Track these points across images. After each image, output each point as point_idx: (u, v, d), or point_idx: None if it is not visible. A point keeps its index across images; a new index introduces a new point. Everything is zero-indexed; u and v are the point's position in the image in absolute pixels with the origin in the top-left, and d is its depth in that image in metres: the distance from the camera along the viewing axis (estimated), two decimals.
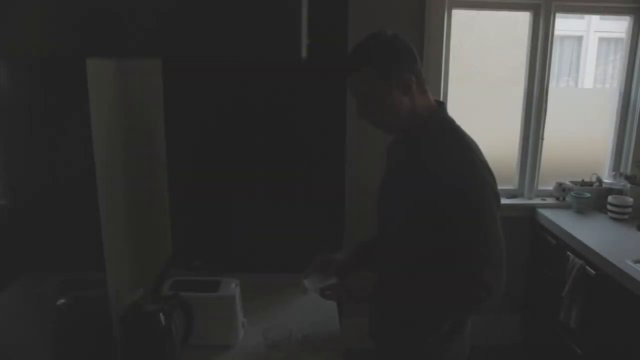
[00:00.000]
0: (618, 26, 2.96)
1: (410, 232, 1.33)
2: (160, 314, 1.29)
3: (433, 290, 1.30)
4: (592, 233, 2.48)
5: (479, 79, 2.97)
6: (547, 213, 2.76)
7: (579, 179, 2.95)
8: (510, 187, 2.96)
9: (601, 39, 5.04)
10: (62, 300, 1.18)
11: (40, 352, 1.11)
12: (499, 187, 1.32)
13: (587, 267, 2.27)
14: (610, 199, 2.71)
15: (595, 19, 5.01)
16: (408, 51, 1.31)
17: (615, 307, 2.13)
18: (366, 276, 1.39)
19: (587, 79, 4.61)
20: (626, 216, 2.67)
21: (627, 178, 2.83)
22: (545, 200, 2.92)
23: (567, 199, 2.87)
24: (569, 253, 2.42)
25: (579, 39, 5.16)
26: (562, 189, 2.88)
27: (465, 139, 1.32)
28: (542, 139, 2.88)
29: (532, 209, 2.88)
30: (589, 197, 2.80)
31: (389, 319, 1.49)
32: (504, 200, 2.84)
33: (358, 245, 1.66)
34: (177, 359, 1.34)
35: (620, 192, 2.81)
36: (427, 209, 1.27)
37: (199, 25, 0.67)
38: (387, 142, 1.56)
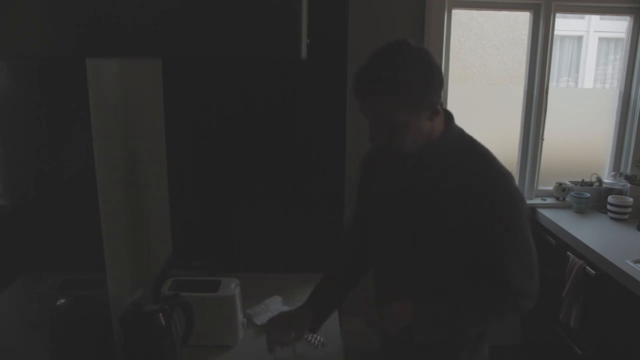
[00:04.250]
0: (618, 26, 2.97)
1: (439, 250, 1.25)
2: (160, 314, 1.29)
3: (474, 305, 1.26)
4: (592, 233, 2.48)
5: (478, 79, 2.97)
6: (547, 213, 2.76)
7: (579, 179, 2.95)
8: None
9: (601, 39, 5.05)
10: (62, 300, 1.18)
11: (40, 352, 1.11)
12: None
13: (587, 267, 2.27)
14: (610, 199, 2.71)
15: (595, 19, 5.02)
16: (438, 72, 1.18)
17: (615, 307, 2.13)
18: (401, 306, 1.24)
19: (587, 79, 4.61)
20: (626, 216, 2.67)
21: (627, 178, 2.83)
22: (545, 200, 2.92)
23: (567, 199, 2.87)
24: (569, 253, 2.42)
25: (579, 39, 5.16)
26: (562, 189, 2.88)
27: (482, 149, 1.28)
28: (542, 139, 2.87)
29: (532, 209, 2.87)
30: (589, 197, 2.79)
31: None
32: None
33: (312, 297, 1.47)
34: (177, 359, 1.34)
35: (620, 192, 2.80)
36: (458, 222, 1.19)
37: (199, 25, 0.67)
38: None
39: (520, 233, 1.23)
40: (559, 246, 2.54)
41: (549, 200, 2.91)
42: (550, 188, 2.95)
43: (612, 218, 2.70)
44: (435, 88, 1.16)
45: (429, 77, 1.15)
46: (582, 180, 2.94)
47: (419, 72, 1.13)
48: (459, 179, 1.20)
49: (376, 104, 1.15)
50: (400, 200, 1.30)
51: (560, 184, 2.90)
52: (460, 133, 1.29)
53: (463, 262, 1.24)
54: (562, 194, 2.88)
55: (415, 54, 1.14)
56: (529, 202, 2.90)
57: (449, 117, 1.28)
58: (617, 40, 3.35)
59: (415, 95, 1.13)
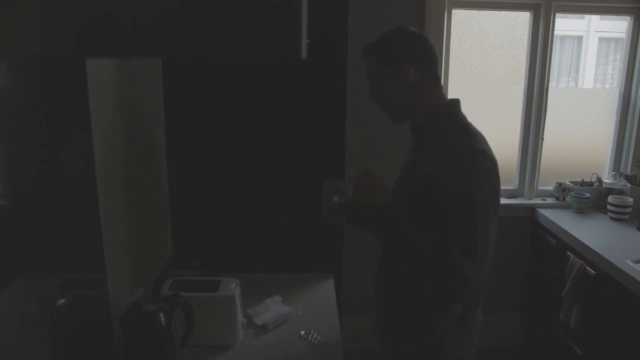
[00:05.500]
0: (618, 26, 2.96)
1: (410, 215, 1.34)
2: (160, 314, 1.29)
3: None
4: (592, 233, 2.48)
5: (478, 79, 2.97)
6: (547, 213, 2.76)
7: (579, 179, 2.95)
8: (510, 187, 2.96)
9: (601, 39, 5.05)
10: (62, 300, 1.18)
11: (40, 353, 1.11)
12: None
13: (587, 267, 2.27)
14: (610, 199, 2.71)
15: (595, 19, 5.02)
16: (414, 45, 1.37)
17: (615, 307, 2.13)
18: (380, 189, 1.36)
19: (587, 79, 4.61)
20: (626, 216, 2.67)
21: (627, 178, 2.83)
22: (545, 200, 2.92)
23: (567, 199, 2.87)
24: (569, 253, 2.42)
25: (579, 39, 5.16)
26: (562, 189, 2.88)
27: (470, 130, 1.36)
28: (542, 139, 2.87)
29: (532, 209, 2.87)
30: (589, 197, 2.79)
31: (395, 312, 1.48)
32: (504, 200, 2.84)
33: None
34: (177, 359, 1.34)
35: (620, 192, 2.81)
36: (423, 196, 1.30)
37: (199, 25, 0.67)
38: (386, 142, 1.57)
39: (474, 216, 1.25)
40: (559, 246, 2.54)
41: (549, 200, 2.91)
42: (550, 188, 2.96)
43: (612, 218, 2.70)
44: (404, 57, 1.35)
45: (402, 47, 1.36)
46: (582, 180, 2.94)
47: (402, 42, 1.36)
48: (428, 152, 1.34)
49: (366, 64, 1.41)
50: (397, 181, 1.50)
51: (560, 184, 2.90)
52: (454, 114, 1.40)
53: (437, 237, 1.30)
54: (562, 194, 2.88)
55: (407, 32, 1.38)
56: (529, 202, 2.91)
57: (454, 104, 1.42)
58: (617, 40, 3.34)
59: (389, 56, 1.36)
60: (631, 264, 2.08)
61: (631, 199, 2.69)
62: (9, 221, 0.99)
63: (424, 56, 1.38)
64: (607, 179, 2.91)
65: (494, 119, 2.89)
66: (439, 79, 1.42)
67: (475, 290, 1.27)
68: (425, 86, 1.38)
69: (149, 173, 1.87)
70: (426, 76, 1.38)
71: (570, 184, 2.92)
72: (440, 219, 1.26)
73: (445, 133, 1.35)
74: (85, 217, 1.30)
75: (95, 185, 1.32)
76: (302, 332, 1.59)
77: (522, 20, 2.85)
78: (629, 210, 2.67)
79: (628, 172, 2.88)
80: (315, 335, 1.57)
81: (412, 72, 1.35)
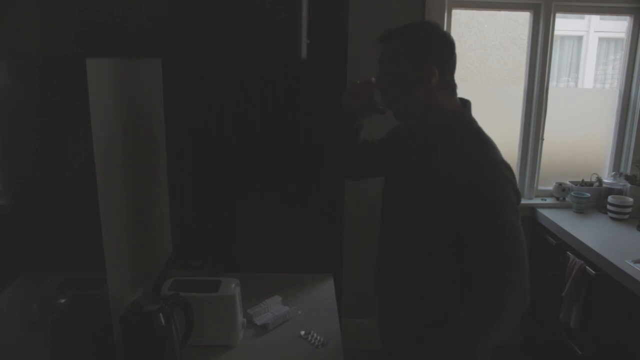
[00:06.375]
0: (618, 26, 2.96)
1: (428, 236, 1.32)
2: (160, 314, 1.29)
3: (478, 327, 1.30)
4: (592, 233, 2.48)
5: (478, 79, 2.97)
6: (547, 213, 2.76)
7: (579, 179, 2.95)
8: None
9: (601, 39, 5.04)
10: (62, 300, 1.18)
11: (40, 352, 1.11)
12: None
13: (587, 267, 2.27)
14: (610, 199, 2.71)
15: (595, 19, 5.01)
16: (445, 49, 1.30)
17: (615, 307, 2.13)
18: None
19: (587, 79, 4.61)
20: (626, 216, 2.67)
21: (627, 178, 2.83)
22: (545, 200, 2.92)
23: (567, 199, 2.87)
24: (569, 253, 2.42)
25: (579, 39, 5.16)
26: (562, 189, 2.88)
27: (485, 138, 1.32)
28: (542, 139, 2.87)
29: (532, 209, 2.87)
30: (589, 197, 2.79)
31: (403, 328, 1.46)
32: None
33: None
34: (177, 359, 1.34)
35: (620, 192, 2.80)
36: (447, 213, 1.26)
37: (198, 25, 0.67)
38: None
39: (502, 220, 1.24)
40: (559, 246, 2.54)
41: (549, 200, 2.91)
42: (550, 188, 2.96)
43: (612, 218, 2.70)
44: (433, 58, 1.28)
45: (432, 47, 1.28)
46: (582, 180, 2.94)
47: (426, 40, 1.29)
48: (446, 159, 1.28)
49: (383, 49, 1.32)
50: (397, 172, 1.43)
51: (560, 184, 2.90)
52: (467, 120, 1.35)
53: (447, 243, 1.29)
54: (562, 194, 2.88)
55: (433, 29, 1.32)
56: (529, 202, 2.90)
57: (466, 109, 1.37)
58: (617, 40, 3.35)
59: (416, 54, 1.27)
60: (631, 264, 2.08)
61: (631, 199, 2.69)
62: (9, 221, 0.99)
63: (449, 60, 1.31)
64: (607, 179, 2.91)
65: (494, 119, 2.89)
66: (455, 84, 1.36)
67: (525, 294, 1.30)
68: (443, 91, 1.31)
69: (149, 173, 1.87)
70: (446, 80, 1.31)
71: (570, 184, 2.92)
72: (471, 230, 1.24)
73: (461, 142, 1.30)
74: (85, 217, 1.30)
75: (95, 185, 1.32)
76: (302, 332, 1.59)
77: (522, 20, 2.85)
78: (629, 210, 2.67)
79: (628, 172, 2.88)
80: (315, 335, 1.57)
81: (436, 76, 1.28)
